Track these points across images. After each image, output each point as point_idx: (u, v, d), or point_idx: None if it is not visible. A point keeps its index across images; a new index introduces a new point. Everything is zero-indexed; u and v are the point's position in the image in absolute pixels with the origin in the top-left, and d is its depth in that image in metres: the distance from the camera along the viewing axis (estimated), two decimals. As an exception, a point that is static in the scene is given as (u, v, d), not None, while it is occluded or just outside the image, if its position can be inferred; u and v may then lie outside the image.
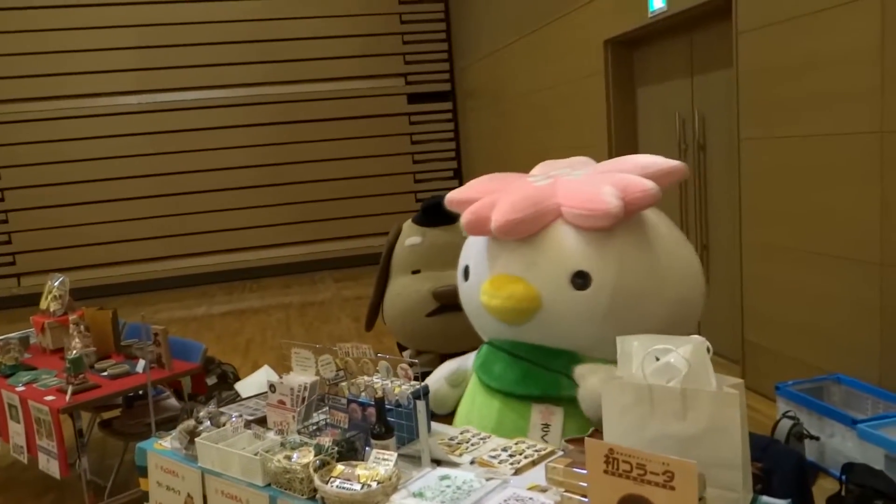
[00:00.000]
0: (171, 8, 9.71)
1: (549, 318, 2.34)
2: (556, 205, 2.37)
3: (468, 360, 2.80)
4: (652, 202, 2.28)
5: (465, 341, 3.69)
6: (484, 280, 2.45)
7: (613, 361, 2.30)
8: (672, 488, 1.39)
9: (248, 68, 10.03)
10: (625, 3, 5.36)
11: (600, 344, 2.32)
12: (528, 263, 2.36)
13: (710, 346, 1.66)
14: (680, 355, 1.64)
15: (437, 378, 2.82)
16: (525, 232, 2.36)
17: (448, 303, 3.94)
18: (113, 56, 9.61)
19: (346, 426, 2.22)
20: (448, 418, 2.66)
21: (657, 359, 1.69)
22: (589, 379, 2.26)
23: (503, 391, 2.43)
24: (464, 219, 2.46)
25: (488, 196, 2.49)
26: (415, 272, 4.17)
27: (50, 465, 3.09)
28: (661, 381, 1.65)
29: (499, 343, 2.54)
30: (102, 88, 9.63)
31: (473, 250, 2.64)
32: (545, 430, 2.35)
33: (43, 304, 4.10)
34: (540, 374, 2.38)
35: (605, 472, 1.48)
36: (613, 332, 2.30)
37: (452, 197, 2.66)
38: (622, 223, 2.29)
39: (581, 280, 2.29)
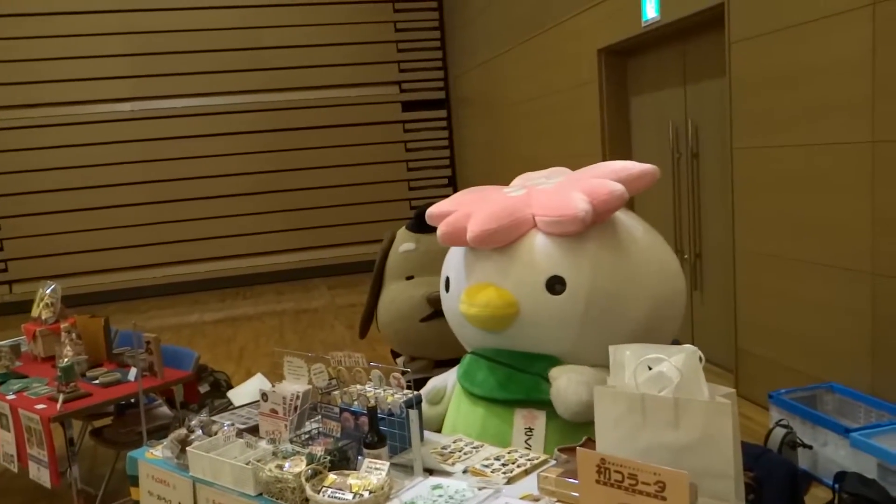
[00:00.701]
0: (164, 15, 9.71)
1: (527, 324, 2.38)
2: (531, 215, 2.42)
3: (448, 378, 2.82)
4: (619, 203, 2.32)
5: (459, 347, 3.69)
6: (462, 290, 2.48)
7: (593, 365, 2.32)
8: (664, 498, 1.39)
9: (241, 76, 10.03)
10: (618, 13, 5.38)
11: (580, 347, 2.36)
12: (503, 271, 2.39)
13: (702, 356, 1.66)
14: (672, 365, 1.64)
15: None
16: (500, 241, 2.40)
17: (441, 308, 3.94)
18: (106, 63, 9.60)
19: (339, 435, 2.21)
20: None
21: (650, 368, 1.69)
22: (559, 379, 2.29)
23: (486, 397, 2.45)
24: (440, 231, 2.51)
25: (464, 208, 2.53)
26: (409, 278, 4.17)
27: (41, 474, 3.07)
28: (654, 391, 1.65)
29: (481, 352, 2.56)
30: (95, 96, 9.62)
31: (453, 261, 2.68)
32: (528, 434, 2.36)
33: (34, 312, 4.07)
34: (521, 379, 2.40)
35: (597, 481, 1.48)
36: (592, 334, 2.34)
37: (432, 212, 2.70)
38: (595, 227, 2.34)
39: (556, 285, 2.32)
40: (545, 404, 2.34)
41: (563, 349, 2.40)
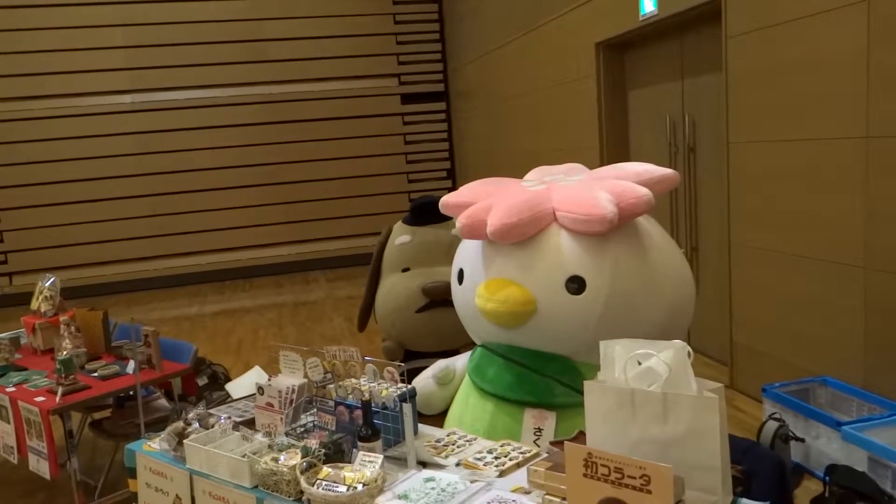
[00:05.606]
0: (163, 7, 9.70)
1: (543, 322, 2.35)
2: (551, 209, 2.38)
3: (458, 361, 2.80)
4: (646, 209, 2.29)
5: (456, 337, 3.72)
6: (479, 283, 2.45)
7: None
8: (649, 492, 1.42)
9: (241, 68, 10.03)
10: (616, 7, 5.38)
11: (594, 348, 2.32)
12: (523, 267, 2.36)
13: (690, 351, 1.68)
14: (661, 360, 1.67)
15: (425, 376, 2.83)
16: (520, 236, 2.36)
17: (437, 298, 4.00)
18: (105, 55, 9.60)
19: (334, 428, 2.24)
20: (438, 420, 2.67)
21: (639, 363, 1.71)
22: None
23: (497, 395, 2.43)
24: (459, 223, 2.46)
25: (483, 200, 2.49)
26: (405, 270, 4.22)
27: (40, 466, 3.10)
28: (643, 386, 1.67)
29: (493, 346, 2.54)
30: (95, 87, 9.62)
31: (468, 253, 2.63)
32: (538, 434, 2.36)
33: (34, 305, 4.10)
34: (534, 380, 2.38)
35: (584, 475, 1.51)
36: (607, 336, 2.32)
37: (447, 201, 2.66)
38: (617, 229, 2.30)
39: (576, 285, 2.29)
40: (556, 406, 2.34)
41: (576, 349, 2.38)
